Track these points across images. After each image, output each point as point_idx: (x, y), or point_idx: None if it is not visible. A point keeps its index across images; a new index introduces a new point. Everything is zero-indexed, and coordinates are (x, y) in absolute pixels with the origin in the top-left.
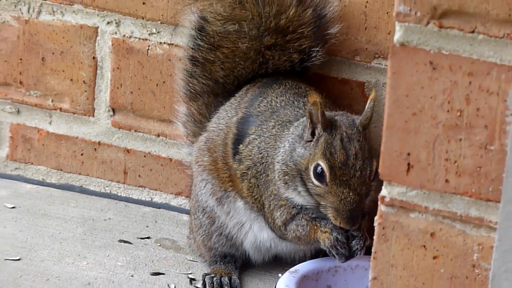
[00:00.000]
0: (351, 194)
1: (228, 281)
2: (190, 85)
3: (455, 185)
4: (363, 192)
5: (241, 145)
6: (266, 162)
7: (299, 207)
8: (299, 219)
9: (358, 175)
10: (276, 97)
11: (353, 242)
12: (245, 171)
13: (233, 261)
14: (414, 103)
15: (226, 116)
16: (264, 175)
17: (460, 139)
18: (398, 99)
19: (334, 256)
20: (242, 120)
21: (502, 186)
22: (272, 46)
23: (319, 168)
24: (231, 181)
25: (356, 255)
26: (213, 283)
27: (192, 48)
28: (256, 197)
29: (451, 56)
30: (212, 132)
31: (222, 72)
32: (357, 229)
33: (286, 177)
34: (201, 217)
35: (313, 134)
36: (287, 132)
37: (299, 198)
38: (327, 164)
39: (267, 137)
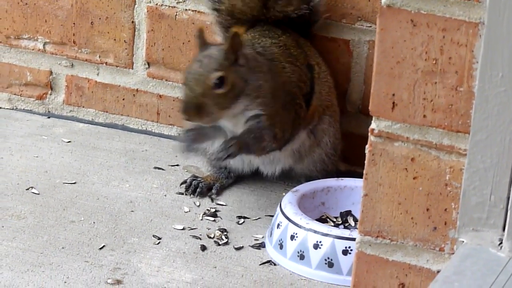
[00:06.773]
0: (187, 91)
1: (205, 186)
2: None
3: (431, 120)
4: (201, 92)
5: None
6: None
7: None
8: None
9: (194, 78)
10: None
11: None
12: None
13: (226, 173)
14: (398, 53)
15: None
16: None
17: (435, 82)
18: (385, 50)
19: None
20: None
21: (471, 120)
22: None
23: None
24: None
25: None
26: (191, 184)
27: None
28: None
29: (428, 15)
30: None
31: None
32: (225, 143)
33: None
34: None
35: None
36: None
37: None
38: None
39: None
